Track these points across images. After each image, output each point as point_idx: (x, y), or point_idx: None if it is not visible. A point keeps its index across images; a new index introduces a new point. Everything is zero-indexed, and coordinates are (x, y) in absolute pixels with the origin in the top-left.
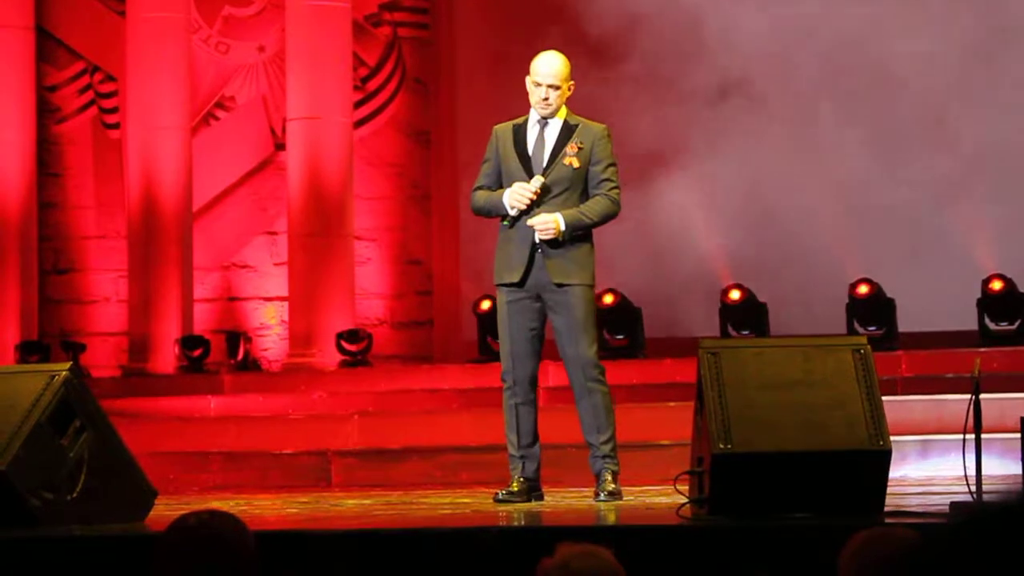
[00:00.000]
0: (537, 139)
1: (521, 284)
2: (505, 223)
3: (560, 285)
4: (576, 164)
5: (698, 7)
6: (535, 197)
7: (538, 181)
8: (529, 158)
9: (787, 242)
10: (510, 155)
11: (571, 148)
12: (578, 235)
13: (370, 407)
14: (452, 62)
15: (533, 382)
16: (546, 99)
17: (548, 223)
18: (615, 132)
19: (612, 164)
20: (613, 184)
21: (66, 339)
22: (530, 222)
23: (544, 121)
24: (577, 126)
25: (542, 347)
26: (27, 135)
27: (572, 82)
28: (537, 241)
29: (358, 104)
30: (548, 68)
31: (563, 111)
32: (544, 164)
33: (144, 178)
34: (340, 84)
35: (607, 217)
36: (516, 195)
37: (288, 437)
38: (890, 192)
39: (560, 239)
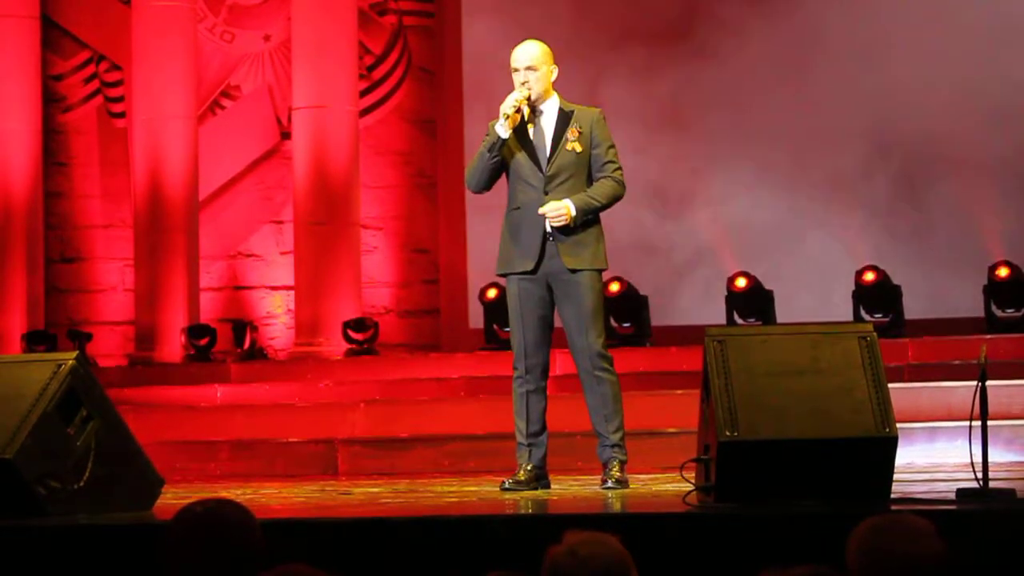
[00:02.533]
0: (536, 130)
1: (534, 272)
2: (513, 211)
3: (573, 271)
4: (579, 149)
5: None
6: (525, 102)
7: (524, 92)
8: (535, 148)
9: (794, 229)
10: (513, 147)
11: (571, 133)
12: (587, 219)
13: (377, 395)
14: (458, 51)
15: (544, 370)
16: (525, 83)
17: (560, 210)
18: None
19: (612, 146)
20: (616, 165)
21: (72, 328)
22: (541, 210)
23: (539, 111)
24: (572, 112)
25: (552, 334)
26: (33, 124)
27: (555, 67)
28: (548, 229)
29: (364, 92)
30: (522, 53)
31: (555, 98)
32: (547, 152)
33: (150, 167)
34: (346, 73)
35: (615, 199)
36: (506, 105)
37: (295, 426)
38: (891, 179)
39: (571, 225)
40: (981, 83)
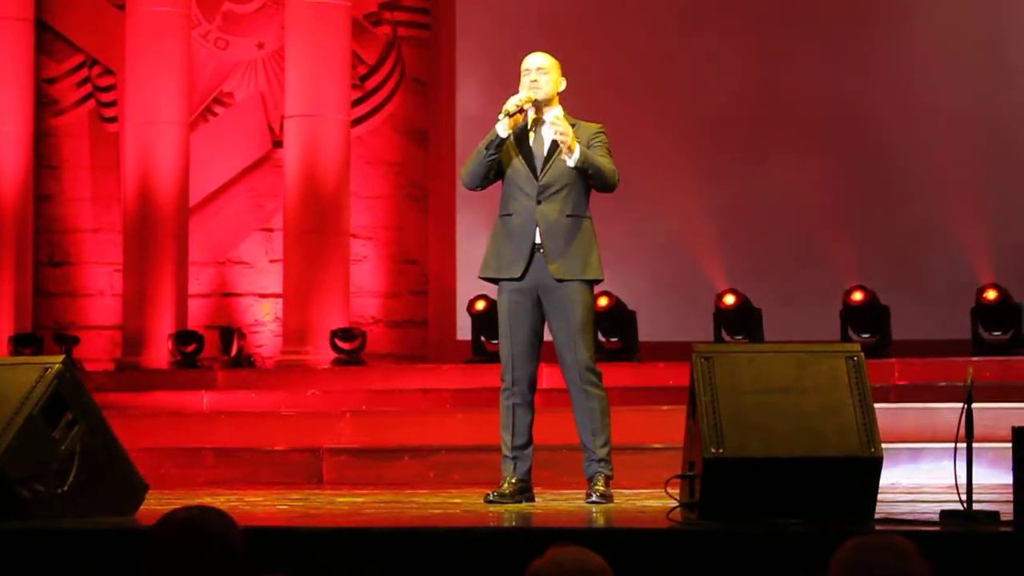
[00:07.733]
0: (535, 138)
1: (520, 279)
2: (505, 216)
3: (560, 280)
4: None
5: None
6: (530, 103)
7: (531, 93)
8: (532, 156)
9: (783, 247)
10: (511, 153)
11: None
12: (579, 230)
13: (363, 405)
14: (451, 62)
15: (532, 383)
16: (535, 80)
17: (567, 131)
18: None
19: (609, 151)
20: (611, 159)
21: (60, 332)
22: (547, 115)
23: (542, 120)
24: (574, 126)
25: (541, 347)
26: (25, 127)
27: (564, 80)
28: (538, 241)
29: (356, 102)
30: (535, 56)
31: (559, 110)
32: (543, 160)
33: (141, 172)
34: (339, 82)
35: (610, 174)
36: (509, 104)
37: (280, 434)
38: (885, 198)
39: (572, 158)
40: (971, 106)
